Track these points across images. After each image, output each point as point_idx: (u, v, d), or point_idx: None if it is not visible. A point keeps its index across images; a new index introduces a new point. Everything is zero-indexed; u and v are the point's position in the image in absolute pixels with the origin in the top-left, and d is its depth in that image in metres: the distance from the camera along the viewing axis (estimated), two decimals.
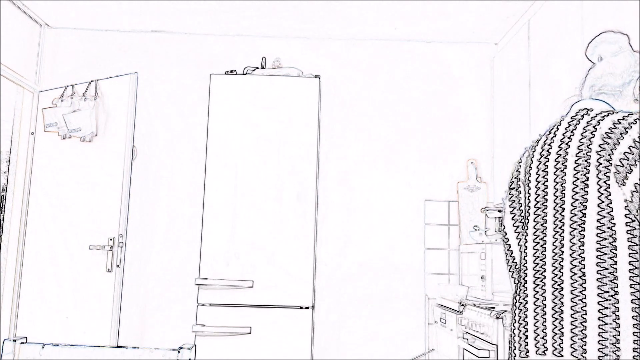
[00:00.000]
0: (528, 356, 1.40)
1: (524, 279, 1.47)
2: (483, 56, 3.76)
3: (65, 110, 3.45)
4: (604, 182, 1.37)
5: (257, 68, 3.54)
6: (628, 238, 1.32)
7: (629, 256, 1.30)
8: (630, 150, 1.33)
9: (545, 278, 1.40)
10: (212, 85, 3.39)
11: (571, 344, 1.30)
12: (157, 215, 3.62)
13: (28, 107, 3.57)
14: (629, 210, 1.34)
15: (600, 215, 1.36)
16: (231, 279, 3.23)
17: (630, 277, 1.29)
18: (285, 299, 3.23)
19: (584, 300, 1.32)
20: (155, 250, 3.58)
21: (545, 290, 1.39)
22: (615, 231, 1.33)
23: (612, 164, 1.35)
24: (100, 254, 3.30)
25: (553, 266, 1.39)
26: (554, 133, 1.56)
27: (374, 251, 3.61)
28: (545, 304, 1.38)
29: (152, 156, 3.65)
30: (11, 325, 3.37)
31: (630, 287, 1.29)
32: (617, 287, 1.29)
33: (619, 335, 1.27)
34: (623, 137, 1.36)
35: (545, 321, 1.37)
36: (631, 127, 1.36)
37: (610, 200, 1.36)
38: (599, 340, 1.28)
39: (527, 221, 1.52)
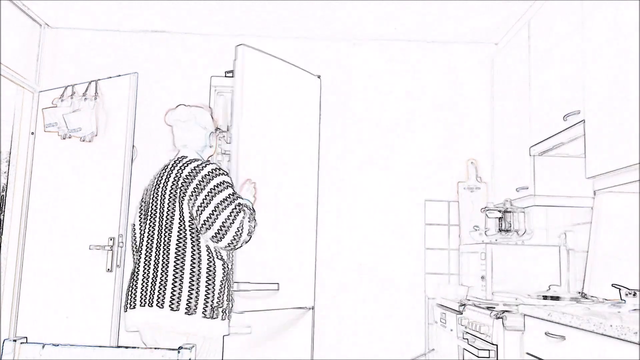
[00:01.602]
0: (135, 308, 2.27)
1: (138, 257, 2.35)
2: (483, 56, 3.76)
3: (65, 110, 3.45)
4: (185, 203, 2.25)
5: None
6: (192, 239, 2.24)
7: (192, 247, 2.23)
8: (199, 183, 2.24)
9: (152, 256, 2.28)
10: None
11: (170, 301, 2.19)
12: None
13: (28, 107, 3.57)
14: (191, 223, 2.24)
15: (180, 222, 2.25)
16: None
17: (191, 260, 2.23)
18: (286, 299, 3.23)
19: (165, 272, 2.22)
20: None
21: (151, 265, 2.27)
22: (185, 232, 2.24)
23: (188, 192, 2.25)
24: (101, 254, 3.30)
25: (157, 248, 2.28)
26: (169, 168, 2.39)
27: (374, 251, 3.61)
28: (150, 272, 2.27)
29: (152, 156, 3.65)
30: (11, 325, 3.37)
31: (191, 265, 2.23)
32: (184, 266, 2.22)
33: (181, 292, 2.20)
34: (196, 176, 2.25)
35: (150, 284, 2.25)
36: (202, 169, 2.27)
37: (183, 214, 2.25)
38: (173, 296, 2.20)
39: (145, 219, 2.39)
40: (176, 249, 2.23)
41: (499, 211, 3.22)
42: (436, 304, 3.41)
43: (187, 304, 2.18)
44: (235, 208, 2.24)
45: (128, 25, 3.68)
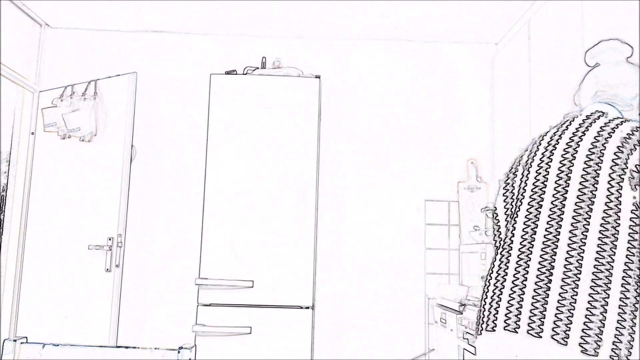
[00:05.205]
0: (495, 330, 1.49)
1: (507, 257, 1.55)
2: (483, 56, 3.76)
3: (65, 110, 3.45)
4: (617, 182, 1.42)
5: (257, 68, 3.54)
6: (629, 240, 1.39)
7: (626, 257, 1.39)
8: None
9: (530, 260, 1.48)
10: (212, 85, 3.39)
11: (553, 327, 1.39)
12: (157, 215, 3.61)
13: (28, 107, 3.57)
14: (635, 215, 1.40)
15: (607, 213, 1.42)
16: (231, 279, 3.23)
17: (623, 277, 1.38)
18: (285, 299, 3.23)
19: (575, 290, 1.40)
20: (155, 250, 3.58)
21: (528, 272, 1.47)
22: (618, 231, 1.40)
23: (627, 168, 1.42)
24: (100, 254, 3.30)
25: (543, 251, 1.47)
26: (566, 127, 1.60)
27: (374, 251, 3.61)
28: (525, 285, 1.47)
29: (151, 156, 3.65)
30: (11, 325, 3.37)
31: (622, 286, 1.38)
32: (610, 283, 1.38)
33: (603, 327, 1.36)
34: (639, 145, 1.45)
35: (523, 300, 1.45)
36: None
37: (620, 201, 1.42)
38: (583, 329, 1.37)
39: (520, 204, 1.59)
40: (597, 252, 1.40)
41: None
42: (436, 304, 3.41)
43: (597, 340, 1.37)
44: None
45: (128, 25, 3.68)
